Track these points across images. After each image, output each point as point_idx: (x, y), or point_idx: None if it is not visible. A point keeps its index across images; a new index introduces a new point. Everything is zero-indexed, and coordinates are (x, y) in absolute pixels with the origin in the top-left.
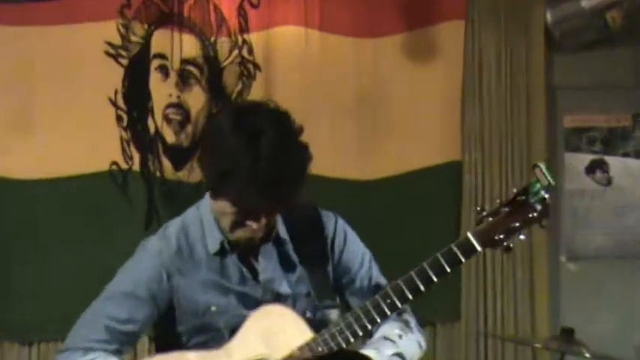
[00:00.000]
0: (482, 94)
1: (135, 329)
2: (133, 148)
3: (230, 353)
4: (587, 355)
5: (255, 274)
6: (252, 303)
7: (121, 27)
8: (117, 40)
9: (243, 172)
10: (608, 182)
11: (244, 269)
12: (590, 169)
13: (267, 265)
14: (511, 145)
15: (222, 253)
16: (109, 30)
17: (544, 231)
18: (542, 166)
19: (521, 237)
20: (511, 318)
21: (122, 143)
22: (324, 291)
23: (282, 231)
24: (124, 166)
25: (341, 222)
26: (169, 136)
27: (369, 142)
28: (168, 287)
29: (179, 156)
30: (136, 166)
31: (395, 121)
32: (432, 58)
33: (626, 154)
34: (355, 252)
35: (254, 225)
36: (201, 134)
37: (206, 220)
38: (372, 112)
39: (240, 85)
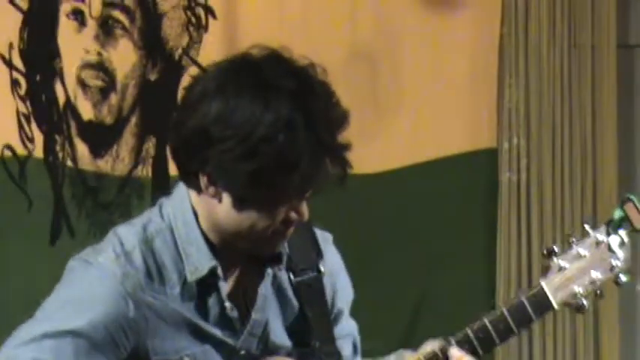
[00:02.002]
0: (529, 57)
1: None
2: (34, 126)
3: None
4: None
5: (244, 311)
6: (228, 356)
7: None
8: None
9: (308, 158)
10: None
11: (227, 304)
12: None
13: (265, 299)
14: (568, 129)
15: (208, 282)
16: None
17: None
18: (637, 200)
19: (599, 292)
20: None
21: (19, 119)
22: (328, 339)
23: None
24: (20, 151)
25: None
26: (86, 110)
27: (370, 121)
28: (135, 329)
29: (100, 138)
30: (39, 152)
31: (405, 92)
32: (458, 3)
33: None
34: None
35: (295, 221)
36: (203, 129)
37: (183, 231)
38: (373, 80)
39: (186, 39)
